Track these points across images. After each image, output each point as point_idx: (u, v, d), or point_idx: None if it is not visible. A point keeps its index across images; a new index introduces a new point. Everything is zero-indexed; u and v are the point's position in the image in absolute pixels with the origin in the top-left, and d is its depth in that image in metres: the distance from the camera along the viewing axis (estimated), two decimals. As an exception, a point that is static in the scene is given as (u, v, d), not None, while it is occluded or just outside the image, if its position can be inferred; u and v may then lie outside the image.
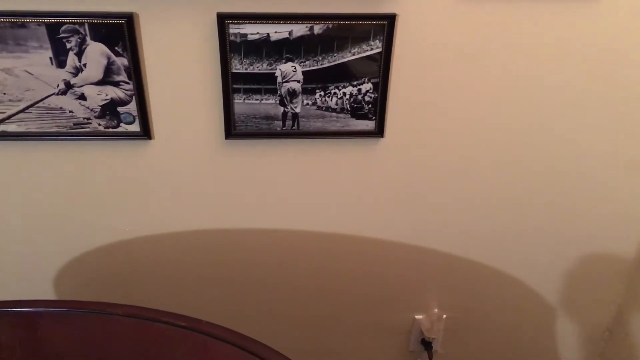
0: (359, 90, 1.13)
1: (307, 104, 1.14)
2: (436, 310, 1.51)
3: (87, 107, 1.10)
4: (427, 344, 1.54)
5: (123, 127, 1.13)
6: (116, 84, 1.08)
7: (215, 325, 0.89)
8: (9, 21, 0.99)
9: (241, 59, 1.07)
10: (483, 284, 1.47)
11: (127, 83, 1.08)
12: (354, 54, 1.09)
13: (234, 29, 1.04)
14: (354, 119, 1.16)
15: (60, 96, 1.09)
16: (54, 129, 1.12)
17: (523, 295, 1.50)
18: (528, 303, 1.52)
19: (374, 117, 1.16)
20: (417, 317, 1.52)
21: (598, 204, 1.35)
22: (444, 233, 1.37)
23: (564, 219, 1.37)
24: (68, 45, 1.03)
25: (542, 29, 1.11)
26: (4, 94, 1.08)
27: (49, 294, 1.38)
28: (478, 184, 1.30)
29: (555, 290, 1.50)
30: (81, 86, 1.08)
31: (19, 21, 0.99)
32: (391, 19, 1.05)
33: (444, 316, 1.52)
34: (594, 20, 1.10)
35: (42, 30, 1.01)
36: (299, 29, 1.05)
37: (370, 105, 1.15)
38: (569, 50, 1.14)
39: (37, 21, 1.00)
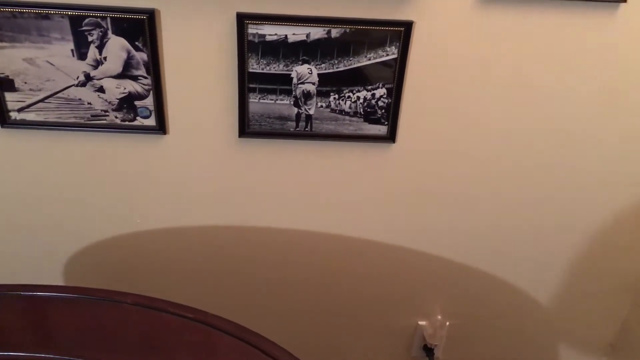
0: (373, 95, 1.14)
1: (321, 106, 1.15)
2: (439, 317, 1.51)
3: (105, 100, 1.12)
4: (429, 350, 1.54)
5: (139, 121, 1.15)
6: (135, 78, 1.10)
7: (220, 318, 0.90)
8: (33, 12, 1.02)
9: (258, 59, 1.09)
10: (487, 293, 1.47)
11: (146, 78, 1.10)
12: (369, 59, 1.10)
13: (252, 29, 1.06)
14: (366, 123, 1.17)
15: (79, 88, 1.11)
16: (72, 120, 1.14)
17: (527, 306, 1.50)
18: (531, 314, 1.52)
19: (386, 122, 1.17)
20: (420, 323, 1.52)
21: (607, 218, 1.35)
22: (451, 240, 1.38)
23: (571, 231, 1.37)
24: (90, 38, 1.05)
25: (559, 37, 1.10)
26: (25, 83, 1.10)
27: (58, 282, 1.40)
28: (487, 192, 1.30)
29: (559, 302, 1.50)
30: (100, 79, 1.10)
31: (43, 12, 1.02)
32: (408, 25, 1.06)
33: (447, 323, 1.52)
34: (613, 28, 1.09)
35: (65, 22, 1.03)
36: (317, 32, 1.06)
37: (383, 110, 1.16)
38: (586, 59, 1.13)
39: (60, 13, 1.02)
